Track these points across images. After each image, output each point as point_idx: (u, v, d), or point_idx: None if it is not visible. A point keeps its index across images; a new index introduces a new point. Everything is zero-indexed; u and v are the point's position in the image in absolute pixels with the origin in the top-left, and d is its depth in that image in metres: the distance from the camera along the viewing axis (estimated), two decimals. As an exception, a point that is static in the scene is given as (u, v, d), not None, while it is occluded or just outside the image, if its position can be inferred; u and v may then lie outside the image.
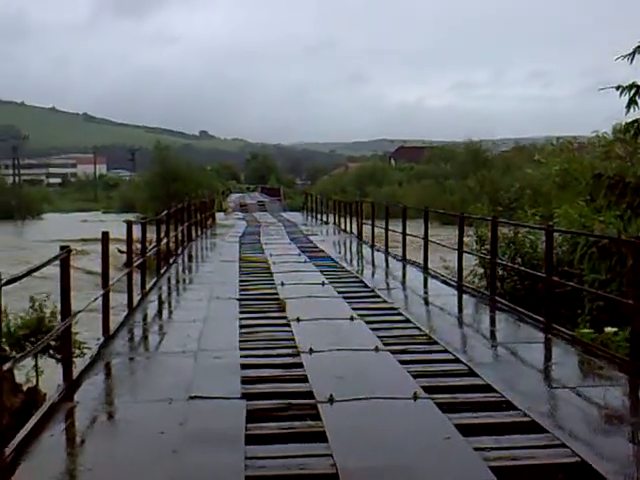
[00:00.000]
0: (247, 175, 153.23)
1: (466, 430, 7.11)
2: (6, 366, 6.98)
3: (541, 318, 12.24)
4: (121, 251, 22.26)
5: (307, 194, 62.47)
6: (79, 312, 9.69)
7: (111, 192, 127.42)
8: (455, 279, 16.84)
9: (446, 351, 10.39)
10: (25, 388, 13.11)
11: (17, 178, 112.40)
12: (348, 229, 33.58)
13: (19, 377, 13.26)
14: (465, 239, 17.60)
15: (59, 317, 11.53)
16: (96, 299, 11.28)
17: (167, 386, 8.76)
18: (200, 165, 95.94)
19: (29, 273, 7.62)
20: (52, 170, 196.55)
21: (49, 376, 13.51)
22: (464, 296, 15.47)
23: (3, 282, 6.46)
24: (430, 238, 19.64)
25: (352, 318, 12.72)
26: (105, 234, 12.29)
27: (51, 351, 14.03)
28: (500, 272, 17.87)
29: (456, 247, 17.11)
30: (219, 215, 50.08)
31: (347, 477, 6.11)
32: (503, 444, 6.85)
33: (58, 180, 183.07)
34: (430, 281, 17.84)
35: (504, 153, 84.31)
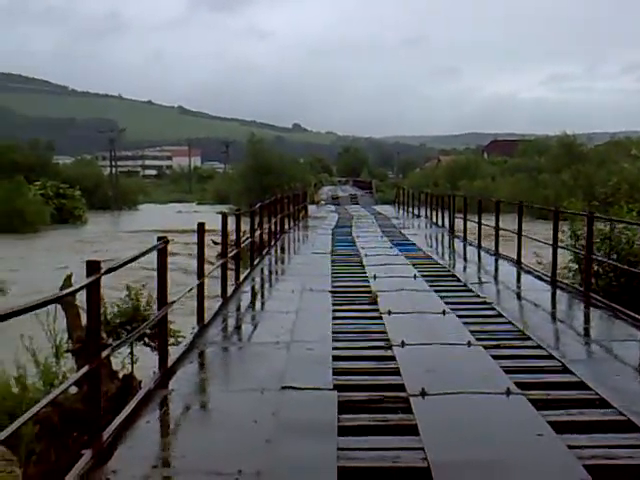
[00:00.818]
0: (339, 168, 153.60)
1: (559, 427, 7.02)
2: (104, 353, 7.14)
3: (637, 315, 12.01)
4: (216, 242, 22.54)
5: (399, 187, 62.35)
6: (174, 302, 9.82)
7: (205, 184, 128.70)
8: (548, 274, 16.61)
9: (539, 347, 10.26)
10: (121, 375, 13.37)
11: (114, 170, 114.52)
12: (440, 223, 33.42)
13: (115, 364, 13.53)
14: (559, 234, 17.32)
15: (154, 306, 11.77)
16: (191, 289, 11.43)
17: (260, 376, 8.83)
18: (293, 158, 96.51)
19: (127, 263, 7.76)
20: (147, 162, 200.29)
21: (143, 364, 13.77)
22: (558, 292, 15.26)
23: (103, 272, 6.61)
24: (523, 233, 19.39)
25: (444, 312, 12.66)
26: (201, 225, 12.43)
27: (146, 339, 14.31)
28: (595, 268, 17.56)
29: (549, 242, 16.88)
30: (311, 207, 50.27)
31: (438, 471, 6.09)
32: (597, 442, 6.73)
33: (153, 172, 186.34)
34: (523, 276, 17.66)
35: (598, 147, 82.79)
